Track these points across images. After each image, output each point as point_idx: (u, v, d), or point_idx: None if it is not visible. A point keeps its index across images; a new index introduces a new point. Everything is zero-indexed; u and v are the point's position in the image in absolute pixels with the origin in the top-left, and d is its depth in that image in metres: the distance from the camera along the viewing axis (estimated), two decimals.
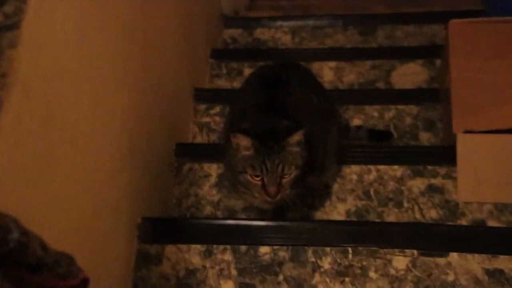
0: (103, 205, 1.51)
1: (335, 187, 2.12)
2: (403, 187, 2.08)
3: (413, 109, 2.42)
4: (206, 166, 2.18)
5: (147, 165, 1.89)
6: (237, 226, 1.83)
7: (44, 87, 1.13)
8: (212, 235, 1.81)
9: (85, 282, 0.85)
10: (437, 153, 2.15)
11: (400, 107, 2.42)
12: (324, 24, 2.95)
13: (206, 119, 2.42)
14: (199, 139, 2.40)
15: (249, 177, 1.57)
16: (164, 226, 1.85)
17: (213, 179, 2.16)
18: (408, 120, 2.40)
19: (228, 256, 1.76)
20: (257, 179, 1.56)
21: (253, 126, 1.58)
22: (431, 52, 2.69)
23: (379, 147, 2.26)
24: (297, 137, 1.54)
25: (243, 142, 1.54)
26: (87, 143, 1.36)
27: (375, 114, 2.41)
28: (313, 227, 1.80)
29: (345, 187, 2.11)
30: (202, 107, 2.45)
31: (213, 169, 2.17)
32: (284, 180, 1.57)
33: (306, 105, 1.78)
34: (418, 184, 2.08)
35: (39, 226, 0.82)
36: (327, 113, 1.93)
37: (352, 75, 2.68)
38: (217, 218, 2.06)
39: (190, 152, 2.19)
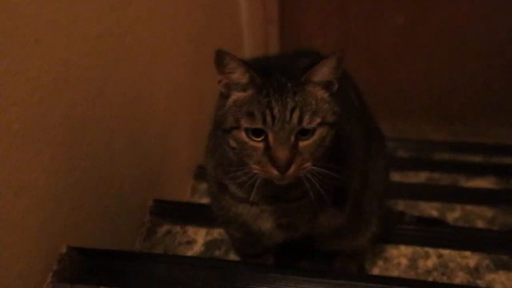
0: None
1: (374, 272, 1.45)
2: (479, 282, 1.41)
3: (486, 211, 1.82)
4: (191, 230, 1.59)
5: (102, 212, 1.40)
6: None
7: None
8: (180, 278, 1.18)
9: None
10: None
11: (469, 207, 1.83)
12: None
13: (206, 201, 1.87)
14: None
15: (244, 136, 0.97)
16: (100, 261, 1.23)
17: (198, 247, 1.54)
18: (480, 224, 1.78)
19: None
20: (257, 139, 0.96)
21: (263, 62, 1.06)
22: (508, 170, 2.17)
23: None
24: (326, 68, 0.98)
25: (235, 73, 0.99)
26: None
27: (434, 213, 1.82)
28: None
29: (389, 274, 1.45)
30: (203, 186, 1.92)
31: (200, 235, 1.57)
32: (303, 143, 0.96)
33: (345, 101, 1.18)
34: (503, 280, 1.43)
35: None
36: (371, 129, 1.37)
37: None
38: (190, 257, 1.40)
39: (171, 212, 1.62)
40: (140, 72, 1.56)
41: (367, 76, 2.63)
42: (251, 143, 0.97)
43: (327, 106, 0.99)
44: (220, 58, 0.99)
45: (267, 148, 0.95)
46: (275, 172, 0.95)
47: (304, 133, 0.96)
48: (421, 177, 2.18)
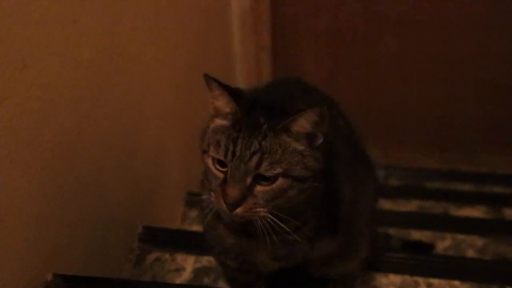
0: None
1: None
2: None
3: (477, 240, 1.82)
4: (180, 257, 1.58)
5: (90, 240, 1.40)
6: None
7: None
8: None
9: None
10: None
11: (460, 236, 1.83)
12: None
13: (196, 228, 1.86)
14: None
15: (210, 162, 1.00)
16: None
17: (186, 275, 1.54)
18: (471, 253, 1.78)
19: None
20: (220, 168, 0.98)
21: (252, 95, 1.07)
22: (498, 199, 2.17)
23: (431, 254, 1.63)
24: (304, 120, 0.97)
25: (219, 100, 1.02)
26: None
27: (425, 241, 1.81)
28: None
29: None
30: (193, 213, 1.92)
31: (189, 263, 1.57)
32: (260, 188, 0.96)
33: (333, 125, 1.19)
34: None
35: None
36: (358, 151, 1.38)
37: None
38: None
39: (160, 239, 1.62)
40: (131, 97, 1.56)
41: (360, 103, 2.67)
42: (214, 170, 0.99)
43: (297, 159, 0.98)
44: (208, 83, 1.02)
45: (225, 180, 0.97)
46: (223, 206, 0.96)
47: (265, 178, 0.96)
48: (413, 205, 2.18)
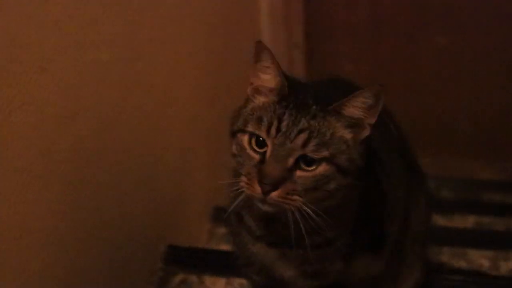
0: None
1: None
2: None
3: None
4: (208, 280, 1.61)
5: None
6: None
7: None
8: None
9: None
10: None
11: None
12: None
13: (225, 247, 1.89)
14: None
15: (245, 140, 1.01)
16: None
17: None
18: None
19: None
20: (256, 148, 1.00)
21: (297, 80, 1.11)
22: None
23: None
24: (360, 103, 1.00)
25: (266, 73, 1.03)
26: None
27: (484, 262, 1.81)
28: None
29: None
30: (221, 230, 1.94)
31: (219, 286, 1.60)
32: (301, 173, 0.98)
33: (383, 131, 1.24)
34: None
35: None
36: (411, 165, 1.39)
37: None
38: None
39: (186, 259, 1.65)
40: (152, 103, 1.60)
41: (405, 106, 2.66)
42: (249, 151, 1.01)
43: (344, 147, 1.01)
44: (258, 51, 1.03)
45: (261, 161, 0.98)
46: (258, 189, 0.97)
47: (307, 163, 0.98)
48: (469, 221, 2.18)
